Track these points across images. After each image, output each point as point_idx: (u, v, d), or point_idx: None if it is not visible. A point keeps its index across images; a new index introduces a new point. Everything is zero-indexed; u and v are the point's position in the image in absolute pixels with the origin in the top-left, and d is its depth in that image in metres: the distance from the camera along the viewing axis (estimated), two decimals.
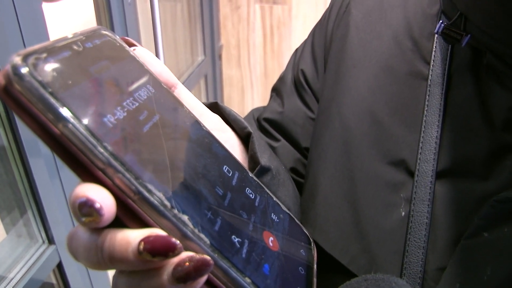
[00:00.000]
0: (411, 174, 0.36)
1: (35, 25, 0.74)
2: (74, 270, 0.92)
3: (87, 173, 0.18)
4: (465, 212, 0.33)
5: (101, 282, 1.03)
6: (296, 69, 0.49)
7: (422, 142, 0.36)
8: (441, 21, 0.36)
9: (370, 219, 0.36)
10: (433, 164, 0.35)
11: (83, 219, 0.18)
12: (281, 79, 0.51)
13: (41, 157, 0.79)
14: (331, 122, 0.41)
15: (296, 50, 0.52)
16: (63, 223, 0.87)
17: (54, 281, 0.91)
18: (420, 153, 0.36)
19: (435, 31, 0.36)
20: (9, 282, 0.77)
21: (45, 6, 0.77)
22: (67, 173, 0.86)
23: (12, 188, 0.81)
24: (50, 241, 0.86)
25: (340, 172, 0.39)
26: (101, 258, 0.19)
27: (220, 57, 1.94)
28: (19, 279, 0.78)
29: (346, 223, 0.37)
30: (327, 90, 0.44)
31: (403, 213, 0.35)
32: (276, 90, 0.50)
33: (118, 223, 0.19)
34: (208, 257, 0.18)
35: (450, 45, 0.38)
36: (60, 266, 0.89)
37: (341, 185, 0.39)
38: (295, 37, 1.81)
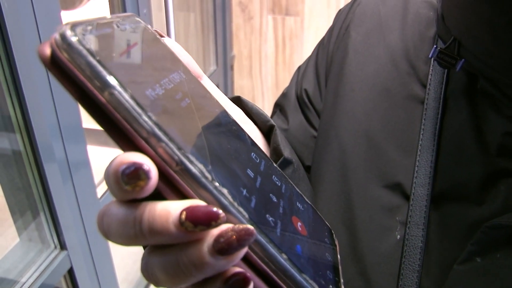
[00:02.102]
0: (406, 197, 0.36)
1: None
2: (85, 275, 0.92)
3: (129, 143, 0.18)
4: (459, 237, 0.33)
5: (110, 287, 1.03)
6: (299, 88, 0.49)
7: (417, 166, 0.36)
8: (435, 46, 0.36)
9: (366, 242, 0.37)
10: (428, 189, 0.35)
11: (127, 187, 0.17)
12: (284, 95, 0.50)
13: (55, 162, 0.80)
14: (329, 145, 0.42)
15: (299, 67, 0.52)
16: (74, 229, 0.87)
17: (64, 286, 0.92)
18: (416, 177, 0.36)
19: (430, 56, 0.36)
20: (21, 286, 0.78)
21: (64, 14, 0.79)
22: (80, 179, 0.86)
23: (26, 193, 0.82)
24: (62, 246, 0.87)
25: (337, 196, 0.39)
26: (139, 230, 0.18)
27: (232, 67, 1.96)
28: (31, 284, 0.79)
29: (342, 246, 0.37)
30: (326, 112, 0.44)
31: (399, 237, 0.36)
32: (280, 106, 0.50)
33: (153, 196, 0.18)
34: (251, 227, 0.18)
35: (446, 69, 0.38)
36: (71, 272, 0.89)
37: (338, 208, 0.39)
38: (307, 49, 1.82)
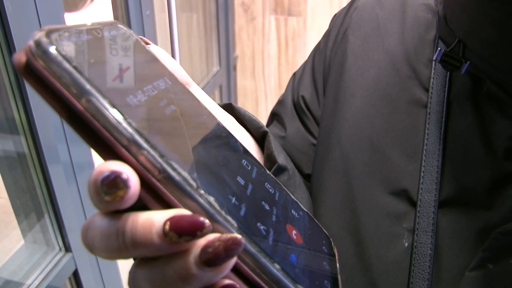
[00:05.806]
0: (413, 204, 0.36)
1: None
2: (90, 277, 0.92)
3: (110, 151, 0.17)
4: (469, 243, 0.33)
5: None
6: (296, 94, 0.48)
7: (423, 172, 0.35)
8: (439, 48, 0.35)
9: (373, 251, 0.36)
10: (435, 194, 0.34)
11: (106, 197, 0.16)
12: (281, 102, 0.49)
13: (60, 164, 0.79)
14: (331, 152, 0.41)
15: (295, 73, 0.51)
16: (79, 231, 0.87)
17: None
18: (422, 183, 0.35)
19: (434, 58, 0.35)
20: None
21: (67, 16, 0.79)
22: (84, 180, 0.86)
23: (30, 195, 0.82)
24: (67, 248, 0.86)
25: (341, 204, 0.39)
26: (122, 243, 0.18)
27: (235, 68, 1.96)
28: (36, 286, 0.79)
29: (349, 255, 0.37)
30: (326, 119, 0.43)
31: (406, 244, 0.35)
32: (277, 115, 0.49)
33: (138, 207, 0.18)
34: (239, 235, 0.17)
35: (448, 72, 0.37)
36: (76, 274, 0.89)
37: (343, 216, 0.38)
38: (309, 49, 1.81)
